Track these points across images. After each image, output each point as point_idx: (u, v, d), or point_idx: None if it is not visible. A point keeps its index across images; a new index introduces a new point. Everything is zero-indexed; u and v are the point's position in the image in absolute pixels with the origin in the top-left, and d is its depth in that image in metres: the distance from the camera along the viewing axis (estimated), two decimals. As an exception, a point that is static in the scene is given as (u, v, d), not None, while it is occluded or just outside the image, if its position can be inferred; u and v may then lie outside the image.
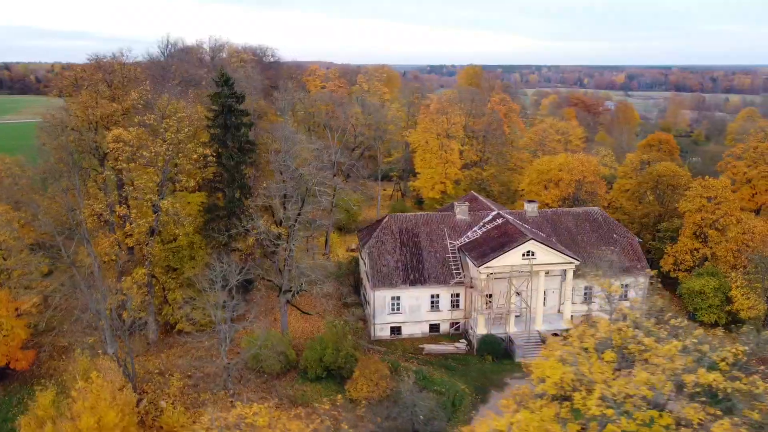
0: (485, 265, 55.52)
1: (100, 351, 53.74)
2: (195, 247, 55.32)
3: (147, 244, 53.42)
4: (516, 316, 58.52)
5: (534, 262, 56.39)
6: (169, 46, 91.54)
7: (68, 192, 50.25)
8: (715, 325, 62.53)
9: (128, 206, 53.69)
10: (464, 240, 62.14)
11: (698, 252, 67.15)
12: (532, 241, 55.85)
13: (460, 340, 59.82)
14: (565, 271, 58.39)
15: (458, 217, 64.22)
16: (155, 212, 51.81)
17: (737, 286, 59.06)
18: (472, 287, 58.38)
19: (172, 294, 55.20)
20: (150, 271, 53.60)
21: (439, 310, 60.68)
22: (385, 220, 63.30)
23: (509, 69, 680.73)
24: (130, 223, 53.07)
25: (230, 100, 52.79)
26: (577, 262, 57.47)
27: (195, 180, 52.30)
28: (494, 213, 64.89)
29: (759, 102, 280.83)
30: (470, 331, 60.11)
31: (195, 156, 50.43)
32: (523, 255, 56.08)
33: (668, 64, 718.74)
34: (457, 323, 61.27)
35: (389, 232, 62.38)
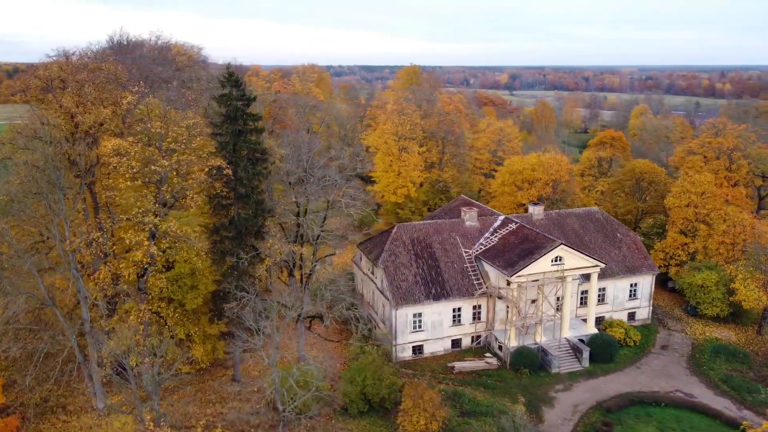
0: (518, 274, 52.54)
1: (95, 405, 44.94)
2: (197, 275, 47.56)
3: (143, 276, 45.10)
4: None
5: (563, 267, 54.25)
6: (122, 41, 79.76)
7: (51, 217, 40.89)
8: (716, 318, 64.08)
9: (107, 232, 45.03)
10: (479, 248, 58.87)
11: (688, 247, 68.55)
12: (562, 246, 53.64)
13: (486, 354, 56.53)
14: (588, 274, 56.80)
15: (468, 223, 60.83)
16: (153, 237, 43.64)
17: (741, 279, 60.42)
18: (500, 297, 55.19)
19: (181, 330, 47.18)
20: (151, 307, 45.31)
21: (461, 324, 56.96)
22: (394, 231, 58.51)
23: (397, 69, 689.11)
24: (116, 254, 44.63)
25: (239, 103, 45.70)
26: (603, 265, 56.07)
27: (201, 197, 44.61)
28: (502, 218, 62.25)
29: (633, 99, 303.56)
30: (494, 343, 56.96)
31: (205, 169, 42.88)
32: (553, 261, 53.75)
33: (542, 65, 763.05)
34: (478, 336, 57.86)
35: (401, 244, 57.71)
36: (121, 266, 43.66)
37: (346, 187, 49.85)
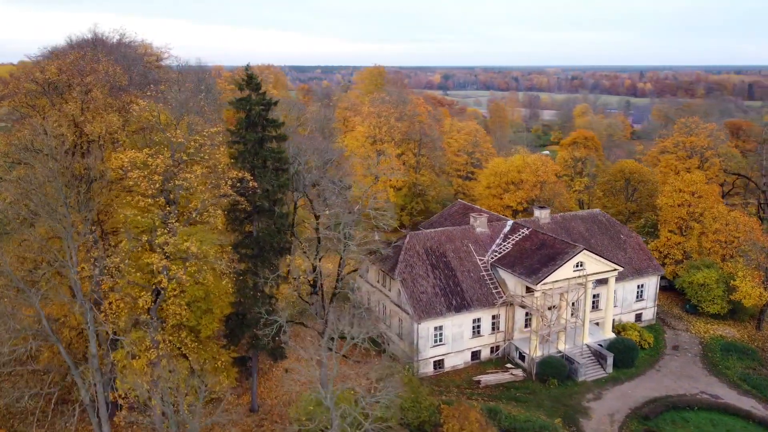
0: (542, 282, 51.00)
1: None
2: (211, 297, 43.17)
3: (155, 302, 40.34)
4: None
5: (584, 272, 53.19)
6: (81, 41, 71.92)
7: (54, 241, 35.63)
8: (715, 315, 65.01)
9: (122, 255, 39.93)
10: (493, 255, 57.01)
11: (682, 246, 69.38)
12: (584, 251, 52.54)
13: (507, 365, 54.75)
14: (606, 279, 56.01)
15: (478, 230, 58.84)
16: (166, 258, 39.00)
17: (741, 276, 61.43)
18: (523, 306, 53.49)
19: (195, 358, 42.58)
20: (169, 336, 40.60)
21: (480, 335, 54.92)
22: (407, 241, 55.67)
23: (329, 70, 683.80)
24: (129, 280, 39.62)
25: (259, 108, 41.68)
26: (621, 269, 55.45)
27: (222, 212, 40.23)
28: (511, 223, 60.66)
29: (570, 99, 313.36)
30: (514, 353, 55.27)
31: (229, 182, 38.59)
32: (575, 267, 52.56)
33: (471, 65, 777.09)
34: (497, 347, 55.98)
35: (415, 254, 55.02)
36: (134, 292, 38.76)
37: (377, 200, 46.66)
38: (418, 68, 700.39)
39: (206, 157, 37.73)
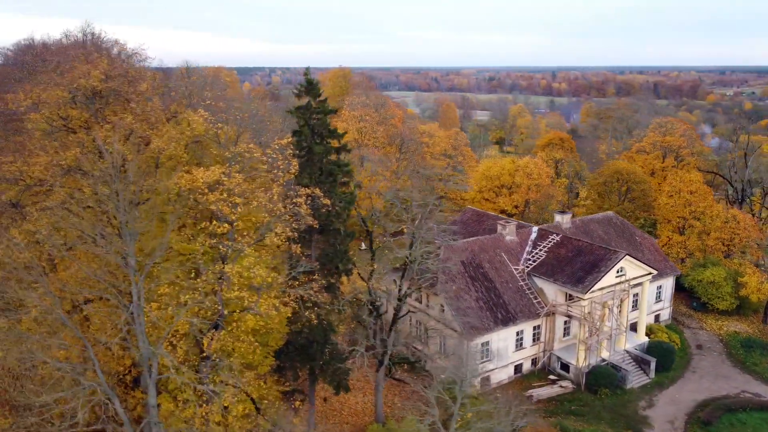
0: (591, 290, 49.76)
1: None
2: (270, 329, 38.66)
3: (212, 339, 35.48)
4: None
5: (625, 278, 52.49)
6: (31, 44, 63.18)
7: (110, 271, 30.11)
8: (723, 311, 66.48)
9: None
10: (527, 263, 55.29)
11: (684, 244, 70.64)
12: (627, 256, 51.80)
13: (549, 377, 53.17)
14: (641, 283, 55.57)
15: (507, 238, 56.92)
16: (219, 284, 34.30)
17: (750, 273, 63.07)
18: (569, 316, 52.00)
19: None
20: (230, 374, 35.75)
21: (523, 348, 53.01)
22: (442, 253, 52.85)
23: (245, 71, 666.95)
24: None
25: (320, 116, 37.58)
26: (655, 272, 55.20)
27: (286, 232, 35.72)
28: (537, 229, 59.17)
29: (501, 99, 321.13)
30: (555, 364, 53.77)
31: (302, 199, 34.29)
32: (617, 272, 51.72)
33: (389, 66, 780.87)
34: (537, 359, 54.27)
35: (453, 267, 52.31)
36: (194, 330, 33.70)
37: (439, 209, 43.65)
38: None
39: (280, 172, 33.34)
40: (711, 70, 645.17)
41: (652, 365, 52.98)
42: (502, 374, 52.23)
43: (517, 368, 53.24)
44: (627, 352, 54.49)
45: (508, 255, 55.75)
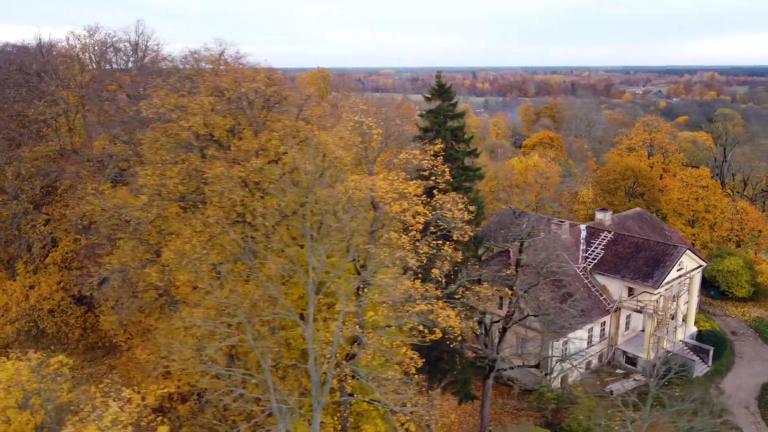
0: (662, 285, 51.37)
1: None
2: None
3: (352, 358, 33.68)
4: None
5: (683, 270, 54.55)
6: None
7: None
8: (740, 299, 70.49)
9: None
10: (587, 261, 56.26)
11: (697, 237, 74.33)
12: (688, 250, 53.83)
13: (616, 371, 54.38)
14: (692, 275, 57.86)
15: (563, 237, 57.65)
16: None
17: (763, 261, 67.35)
18: (639, 311, 53.34)
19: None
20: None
21: (592, 344, 53.90)
22: (511, 254, 52.77)
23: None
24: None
25: (454, 120, 36.49)
26: (705, 264, 57.68)
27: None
28: (585, 227, 60.28)
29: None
30: (620, 358, 55.05)
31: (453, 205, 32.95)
32: (677, 266, 53.69)
33: (305, 67, 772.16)
34: (602, 354, 55.33)
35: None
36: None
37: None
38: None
39: (439, 178, 32.06)
40: (617, 70, 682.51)
41: (710, 354, 55.31)
42: (575, 372, 52.84)
43: (587, 365, 54.07)
44: (683, 342, 56.62)
45: (567, 254, 56.44)
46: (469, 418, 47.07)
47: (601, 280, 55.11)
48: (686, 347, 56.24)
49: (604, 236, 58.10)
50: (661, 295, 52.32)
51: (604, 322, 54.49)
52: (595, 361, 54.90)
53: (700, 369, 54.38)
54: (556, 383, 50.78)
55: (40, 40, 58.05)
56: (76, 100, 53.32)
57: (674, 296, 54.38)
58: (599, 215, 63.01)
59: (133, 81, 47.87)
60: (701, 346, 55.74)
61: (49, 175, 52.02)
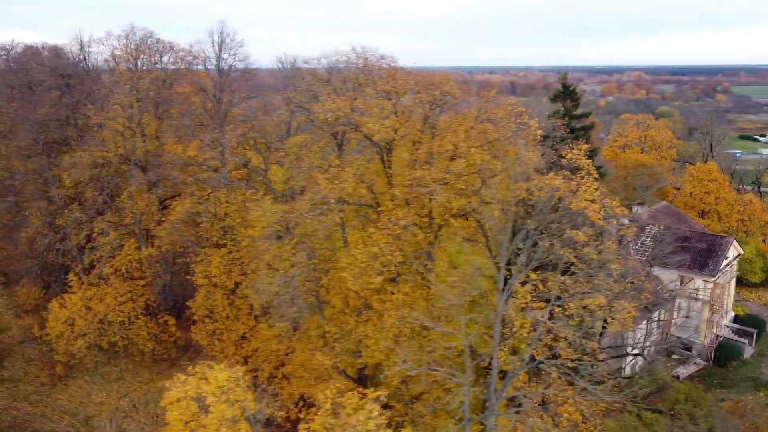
0: (718, 272, 54.56)
1: None
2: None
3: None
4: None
5: (728, 259, 57.98)
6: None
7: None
8: (753, 284, 75.25)
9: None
10: (639, 253, 58.81)
11: (709, 228, 78.68)
12: (734, 240, 57.25)
13: (673, 357, 57.18)
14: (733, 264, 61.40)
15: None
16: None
17: (773, 248, 72.25)
18: (695, 299, 56.29)
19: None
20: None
21: (652, 333, 56.43)
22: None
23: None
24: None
25: (574, 121, 37.61)
26: (743, 252, 61.37)
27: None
28: (624, 220, 62.90)
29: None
30: (676, 344, 57.93)
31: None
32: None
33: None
34: (658, 341, 58.03)
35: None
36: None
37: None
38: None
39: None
40: (550, 70, 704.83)
41: (754, 336, 58.98)
42: (639, 359, 55.21)
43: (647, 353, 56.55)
44: (728, 326, 60.12)
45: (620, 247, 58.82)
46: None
47: (654, 270, 57.70)
48: (731, 331, 59.73)
49: (648, 230, 60.83)
50: (715, 283, 55.43)
51: (661, 311, 57.15)
52: (653, 348, 57.49)
53: (748, 351, 57.92)
54: (627, 371, 52.98)
55: (80, 40, 55.24)
56: (133, 102, 51.18)
57: (726, 283, 57.71)
58: (638, 210, 65.82)
59: (216, 84, 46.42)
60: (745, 329, 59.32)
61: (110, 182, 49.88)
